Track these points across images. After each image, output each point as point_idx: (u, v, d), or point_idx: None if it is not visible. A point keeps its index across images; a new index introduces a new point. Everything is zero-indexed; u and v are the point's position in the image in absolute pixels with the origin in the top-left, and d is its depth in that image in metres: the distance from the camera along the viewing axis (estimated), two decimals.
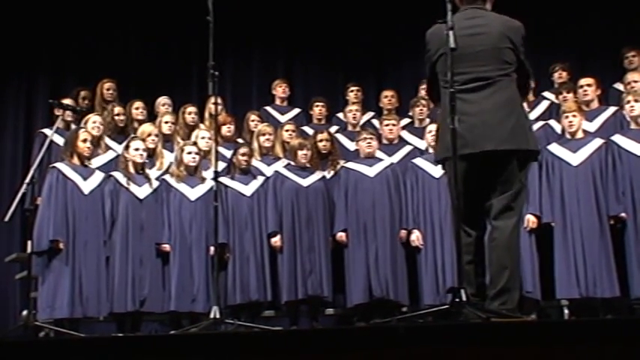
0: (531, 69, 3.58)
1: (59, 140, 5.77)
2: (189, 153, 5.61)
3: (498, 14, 3.54)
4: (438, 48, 3.44)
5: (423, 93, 6.56)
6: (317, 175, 5.77)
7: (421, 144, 6.07)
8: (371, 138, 5.83)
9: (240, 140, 6.34)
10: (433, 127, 5.60)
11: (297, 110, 7.08)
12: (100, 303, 5.19)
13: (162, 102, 6.63)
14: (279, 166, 5.94)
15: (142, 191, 5.46)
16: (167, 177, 5.62)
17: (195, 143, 5.77)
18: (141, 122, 6.24)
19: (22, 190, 4.48)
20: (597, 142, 5.38)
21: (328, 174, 5.86)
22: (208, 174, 5.55)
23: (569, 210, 5.24)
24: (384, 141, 6.11)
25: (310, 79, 8.02)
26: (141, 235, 5.37)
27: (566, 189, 5.29)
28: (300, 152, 5.75)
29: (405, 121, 6.56)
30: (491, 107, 3.36)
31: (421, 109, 6.41)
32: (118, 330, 5.37)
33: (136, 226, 5.37)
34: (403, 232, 5.59)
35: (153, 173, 5.66)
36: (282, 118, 6.88)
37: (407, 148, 6.14)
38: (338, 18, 7.66)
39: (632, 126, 5.36)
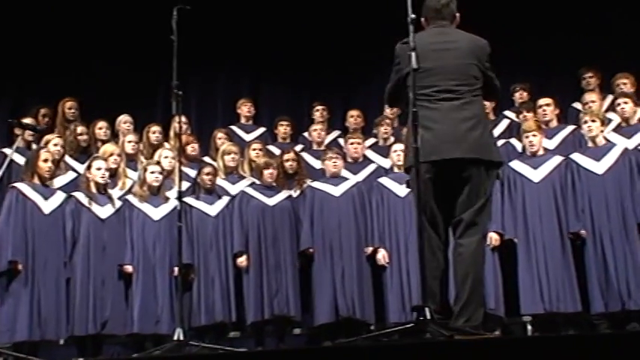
0: (499, 85, 3.67)
1: (20, 160, 5.68)
2: (153, 172, 5.57)
3: (465, 32, 3.63)
4: (408, 64, 3.50)
5: (387, 112, 6.64)
6: (283, 194, 5.76)
7: (386, 163, 6.11)
8: (336, 157, 5.85)
9: (206, 159, 6.32)
10: (398, 147, 5.66)
11: (262, 129, 7.11)
12: (60, 325, 5.09)
13: (124, 120, 6.59)
14: (244, 185, 5.92)
15: (104, 211, 5.39)
16: (130, 197, 5.57)
17: (158, 163, 5.73)
18: (104, 142, 6.19)
19: None
20: (557, 158, 5.48)
21: (295, 193, 5.86)
22: (172, 193, 5.50)
23: (531, 226, 5.32)
24: (349, 159, 6.15)
25: (276, 99, 8.04)
26: (103, 256, 5.30)
27: (528, 205, 5.37)
28: (266, 171, 5.74)
29: (371, 140, 6.62)
30: (459, 119, 3.44)
31: (386, 129, 6.47)
32: (78, 354, 5.26)
33: (98, 247, 5.30)
34: (369, 248, 5.60)
35: (115, 193, 5.60)
36: (248, 137, 6.90)
37: (372, 167, 6.18)
38: (304, 37, 7.71)
39: (590, 144, 5.47)
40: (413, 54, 3.32)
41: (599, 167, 5.31)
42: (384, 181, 5.74)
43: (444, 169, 3.43)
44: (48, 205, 5.27)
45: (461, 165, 3.44)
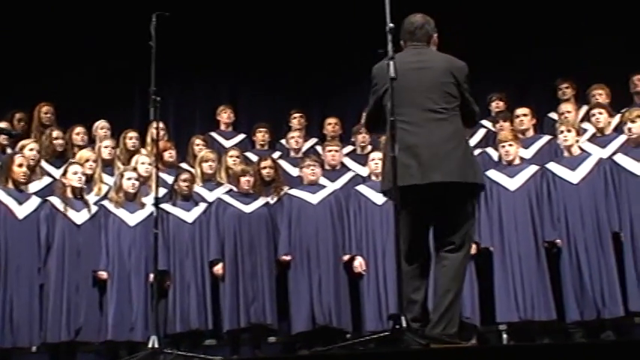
0: (477, 110, 3.67)
1: None
2: (129, 179, 5.53)
3: (442, 53, 3.65)
4: (384, 82, 3.49)
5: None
6: (260, 202, 5.74)
7: (363, 171, 6.12)
8: (314, 165, 5.85)
9: (183, 165, 6.30)
10: (376, 155, 5.67)
11: (242, 136, 7.11)
12: (33, 332, 5.02)
13: (101, 125, 6.55)
14: (222, 192, 5.90)
15: (80, 217, 5.34)
16: (105, 202, 5.52)
17: (135, 169, 5.69)
18: (81, 147, 6.15)
19: None
20: (533, 168, 5.53)
21: (272, 200, 5.84)
22: (148, 200, 5.46)
23: (507, 234, 5.35)
24: (327, 167, 6.15)
25: (254, 105, 8.04)
26: (78, 262, 5.24)
27: (504, 213, 5.41)
28: (242, 179, 5.72)
29: (348, 148, 6.63)
30: (438, 139, 3.43)
31: (364, 137, 6.48)
32: None
33: (73, 253, 5.24)
34: (346, 256, 5.60)
35: (91, 198, 5.55)
36: (227, 144, 6.89)
37: (349, 174, 6.18)
38: (283, 45, 7.71)
39: (566, 154, 5.53)
40: (391, 63, 3.33)
41: (575, 177, 5.37)
42: (362, 189, 5.75)
43: (425, 191, 3.41)
44: (22, 210, 5.21)
45: (443, 188, 3.41)
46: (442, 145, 3.41)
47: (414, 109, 3.45)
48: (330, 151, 6.21)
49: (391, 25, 3.40)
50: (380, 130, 3.95)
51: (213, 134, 7.05)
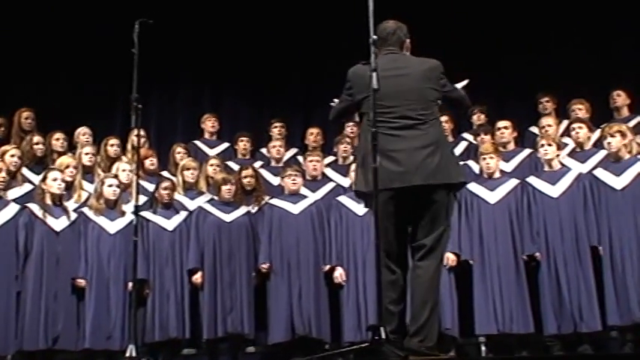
0: (463, 93, 3.72)
1: None
2: (110, 186, 5.49)
3: (417, 57, 3.67)
4: (361, 89, 3.52)
5: (347, 131, 6.69)
6: (241, 211, 5.73)
7: (345, 181, 6.13)
8: (296, 175, 5.85)
9: (164, 173, 6.27)
10: None
11: (225, 144, 7.09)
12: (9, 340, 4.96)
13: (82, 132, 6.51)
14: (203, 200, 5.88)
15: (59, 223, 5.30)
16: (85, 209, 5.48)
17: (115, 176, 5.66)
18: (61, 154, 6.10)
19: None
20: (513, 181, 5.57)
21: (253, 209, 5.83)
22: (129, 207, 5.43)
23: (486, 247, 5.38)
24: (308, 177, 6.15)
25: (236, 114, 8.03)
26: (56, 269, 5.20)
27: (484, 226, 5.44)
28: (223, 187, 5.71)
29: (330, 159, 6.64)
30: (418, 145, 3.47)
31: (345, 147, 6.50)
32: None
33: (52, 260, 5.20)
34: (326, 267, 5.59)
35: (70, 205, 5.50)
36: (211, 152, 6.87)
37: (330, 185, 6.19)
38: (266, 54, 7.73)
39: (546, 168, 5.58)
40: (374, 74, 3.35)
41: (554, 191, 5.41)
42: (343, 199, 5.75)
43: (404, 195, 3.45)
44: (0, 217, 5.14)
45: (421, 191, 3.45)
46: (421, 151, 3.45)
47: (393, 116, 3.48)
48: (311, 161, 6.21)
49: (374, 37, 3.41)
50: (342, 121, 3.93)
51: (197, 142, 7.02)
